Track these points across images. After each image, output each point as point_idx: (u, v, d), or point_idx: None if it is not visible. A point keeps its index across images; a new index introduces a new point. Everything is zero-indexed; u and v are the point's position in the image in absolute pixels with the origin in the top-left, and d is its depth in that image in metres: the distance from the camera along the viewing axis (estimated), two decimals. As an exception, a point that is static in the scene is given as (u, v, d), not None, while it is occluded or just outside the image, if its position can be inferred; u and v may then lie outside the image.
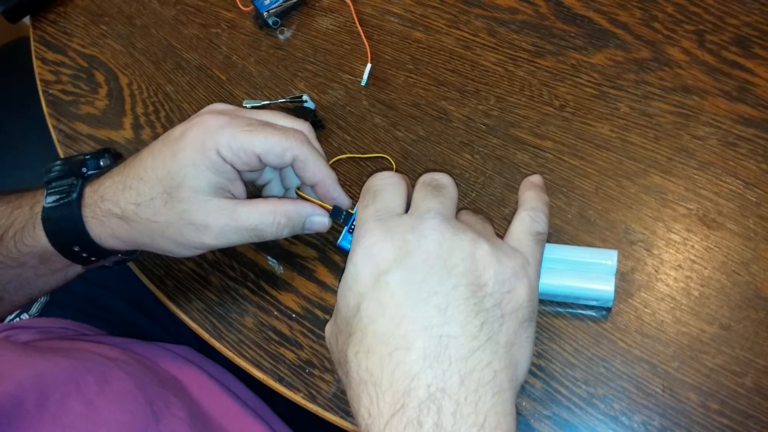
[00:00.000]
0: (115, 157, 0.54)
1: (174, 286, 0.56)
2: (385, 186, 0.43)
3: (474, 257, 0.38)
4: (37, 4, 0.73)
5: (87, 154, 0.52)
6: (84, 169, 0.51)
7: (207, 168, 0.45)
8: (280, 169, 0.52)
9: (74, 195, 0.48)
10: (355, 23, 0.63)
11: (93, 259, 0.51)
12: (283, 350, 0.52)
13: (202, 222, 0.45)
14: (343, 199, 0.49)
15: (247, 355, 0.52)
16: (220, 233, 0.46)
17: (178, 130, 0.46)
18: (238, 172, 0.47)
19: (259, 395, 0.63)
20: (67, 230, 0.48)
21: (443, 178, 0.43)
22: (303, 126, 0.48)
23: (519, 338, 0.38)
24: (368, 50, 0.61)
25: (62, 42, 0.71)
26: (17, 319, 0.69)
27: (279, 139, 0.45)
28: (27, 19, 0.75)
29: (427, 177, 0.43)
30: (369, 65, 0.61)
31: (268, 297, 0.54)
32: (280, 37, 0.65)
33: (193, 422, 0.53)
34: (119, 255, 0.52)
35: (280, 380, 0.51)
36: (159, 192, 0.45)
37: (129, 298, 0.75)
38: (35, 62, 0.71)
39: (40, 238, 0.49)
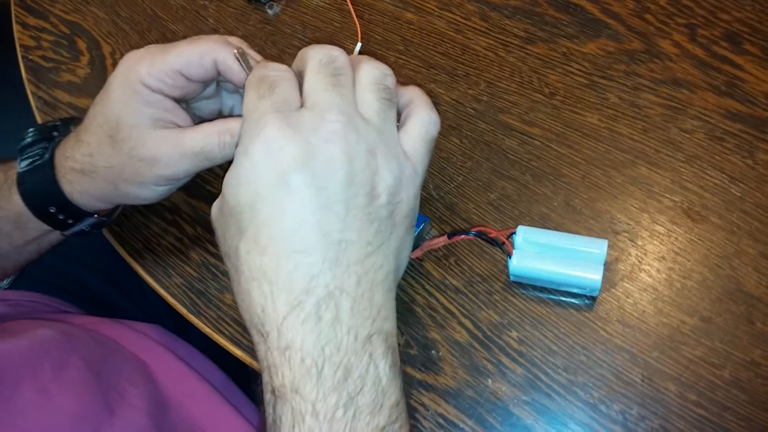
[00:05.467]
0: None
1: (153, 260, 0.55)
2: (282, 78, 0.40)
3: (371, 167, 0.38)
4: (18, -33, 0.71)
5: (58, 120, 0.52)
6: (55, 134, 0.51)
7: (138, 102, 0.45)
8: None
9: (46, 156, 0.48)
10: (346, 1, 0.62)
11: (70, 222, 0.50)
12: (262, 328, 0.51)
13: (150, 155, 0.45)
14: None
15: (225, 332, 0.52)
16: (170, 162, 0.45)
17: (112, 75, 0.47)
18: (176, 100, 0.47)
19: (231, 376, 0.63)
20: (41, 192, 0.48)
21: (340, 58, 0.40)
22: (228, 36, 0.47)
23: (404, 242, 0.41)
24: (359, 29, 0.61)
25: (44, 7, 0.69)
26: (-15, 292, 0.67)
27: (193, 47, 0.45)
28: (7, -18, 0.72)
29: (322, 55, 0.40)
30: (359, 44, 0.60)
31: (248, 274, 0.53)
32: (269, 11, 0.64)
33: (153, 409, 0.52)
34: (95, 216, 0.51)
35: (259, 358, 0.50)
36: (103, 138, 0.46)
37: (102, 272, 0.74)
38: (15, 27, 0.69)
39: (16, 202, 0.49)
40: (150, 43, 0.64)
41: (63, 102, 0.63)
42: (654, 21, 0.58)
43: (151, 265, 0.55)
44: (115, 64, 0.64)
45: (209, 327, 0.52)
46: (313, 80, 0.40)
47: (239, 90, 0.49)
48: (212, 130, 0.45)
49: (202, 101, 0.50)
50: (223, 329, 0.52)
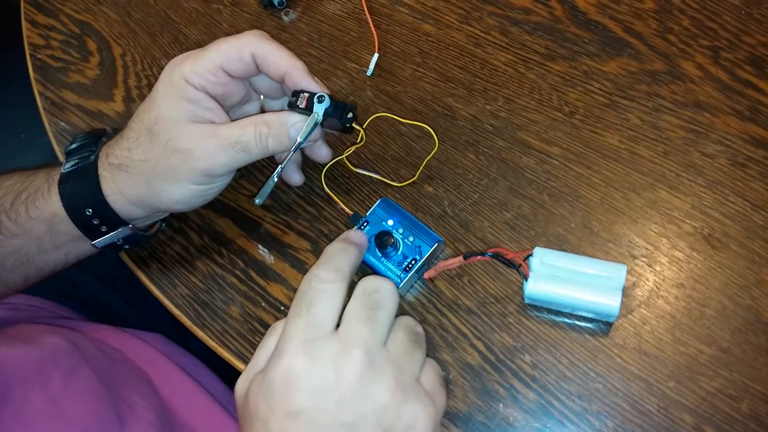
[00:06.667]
0: None
1: (158, 269, 0.54)
2: (321, 294, 0.40)
3: (385, 412, 0.38)
4: (29, -37, 0.70)
5: (110, 129, 0.53)
6: (104, 139, 0.51)
7: (179, 98, 0.46)
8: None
9: (91, 158, 0.49)
10: (364, 11, 0.61)
11: (103, 229, 0.49)
12: (268, 343, 0.50)
13: (185, 146, 0.46)
14: (313, 89, 0.48)
15: (230, 345, 0.50)
16: (205, 153, 0.46)
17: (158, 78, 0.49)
18: (216, 100, 0.48)
19: (231, 388, 0.61)
20: (81, 192, 0.48)
21: (384, 293, 0.41)
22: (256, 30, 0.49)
23: None
24: (376, 40, 0.59)
25: (54, 5, 0.68)
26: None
27: (232, 42, 0.47)
28: (18, -21, 0.71)
29: (368, 285, 0.42)
30: (376, 55, 0.59)
31: (256, 287, 0.52)
32: (285, 18, 0.63)
33: (159, 423, 0.51)
34: (129, 226, 0.50)
35: (264, 374, 0.49)
36: (142, 130, 0.47)
37: (105, 279, 0.72)
38: (24, 24, 0.68)
39: (53, 201, 0.48)
40: (161, 46, 0.63)
41: (71, 103, 0.62)
42: (677, 42, 0.57)
43: (156, 275, 0.54)
44: (125, 66, 0.63)
45: (213, 340, 0.51)
46: (352, 307, 0.41)
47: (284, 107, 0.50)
48: (249, 121, 0.46)
49: None
50: (227, 342, 0.51)
